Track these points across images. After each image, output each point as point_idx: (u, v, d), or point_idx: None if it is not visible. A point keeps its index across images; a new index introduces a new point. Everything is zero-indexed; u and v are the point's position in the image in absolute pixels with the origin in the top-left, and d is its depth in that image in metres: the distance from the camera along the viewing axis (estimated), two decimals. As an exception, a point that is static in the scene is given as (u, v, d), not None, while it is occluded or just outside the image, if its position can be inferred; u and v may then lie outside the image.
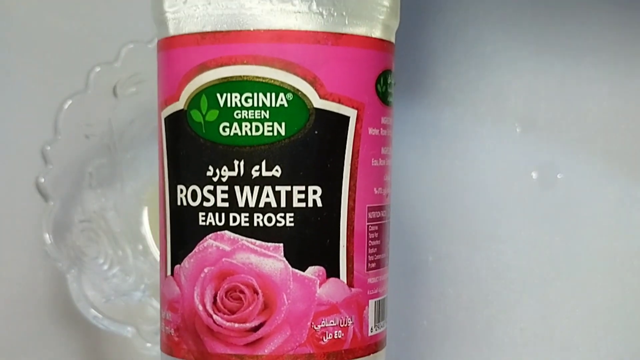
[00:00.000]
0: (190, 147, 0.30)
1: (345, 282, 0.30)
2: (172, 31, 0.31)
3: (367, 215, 0.31)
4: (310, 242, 0.30)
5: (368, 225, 0.31)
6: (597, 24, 0.40)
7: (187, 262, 0.30)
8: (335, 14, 0.29)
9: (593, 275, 0.40)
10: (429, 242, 0.42)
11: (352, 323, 0.31)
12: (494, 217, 0.41)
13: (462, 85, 0.41)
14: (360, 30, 0.30)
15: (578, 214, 0.40)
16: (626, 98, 0.40)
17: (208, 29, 0.30)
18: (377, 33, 0.31)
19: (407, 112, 0.41)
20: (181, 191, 0.31)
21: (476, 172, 0.41)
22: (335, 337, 0.30)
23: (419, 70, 0.41)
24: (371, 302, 0.31)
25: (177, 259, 0.31)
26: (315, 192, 0.30)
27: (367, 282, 0.31)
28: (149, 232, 0.42)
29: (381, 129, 0.31)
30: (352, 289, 0.31)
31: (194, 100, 0.30)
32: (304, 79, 0.29)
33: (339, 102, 0.30)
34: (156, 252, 0.42)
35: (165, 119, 0.31)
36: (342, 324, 0.30)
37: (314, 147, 0.30)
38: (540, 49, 0.40)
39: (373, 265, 0.31)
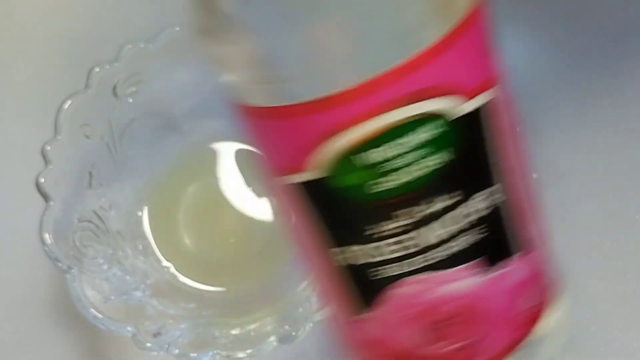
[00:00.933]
0: (341, 211, 0.28)
1: (522, 252, 0.30)
2: (269, 102, 0.27)
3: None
4: (490, 247, 0.29)
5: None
6: (598, 23, 0.40)
7: (379, 309, 0.30)
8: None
9: (593, 275, 0.40)
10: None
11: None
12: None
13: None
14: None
15: (578, 214, 0.40)
16: (626, 98, 0.40)
17: (321, 94, 0.25)
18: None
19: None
20: (342, 252, 0.29)
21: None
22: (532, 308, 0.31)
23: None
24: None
25: (362, 307, 0.30)
26: (482, 197, 0.28)
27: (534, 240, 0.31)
28: (149, 231, 0.42)
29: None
30: (530, 255, 0.31)
31: (331, 168, 0.27)
32: (439, 95, 0.26)
33: (474, 95, 0.27)
34: (156, 252, 0.42)
35: (294, 184, 0.28)
36: (537, 294, 0.31)
37: (471, 157, 0.27)
38: (540, 48, 0.40)
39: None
